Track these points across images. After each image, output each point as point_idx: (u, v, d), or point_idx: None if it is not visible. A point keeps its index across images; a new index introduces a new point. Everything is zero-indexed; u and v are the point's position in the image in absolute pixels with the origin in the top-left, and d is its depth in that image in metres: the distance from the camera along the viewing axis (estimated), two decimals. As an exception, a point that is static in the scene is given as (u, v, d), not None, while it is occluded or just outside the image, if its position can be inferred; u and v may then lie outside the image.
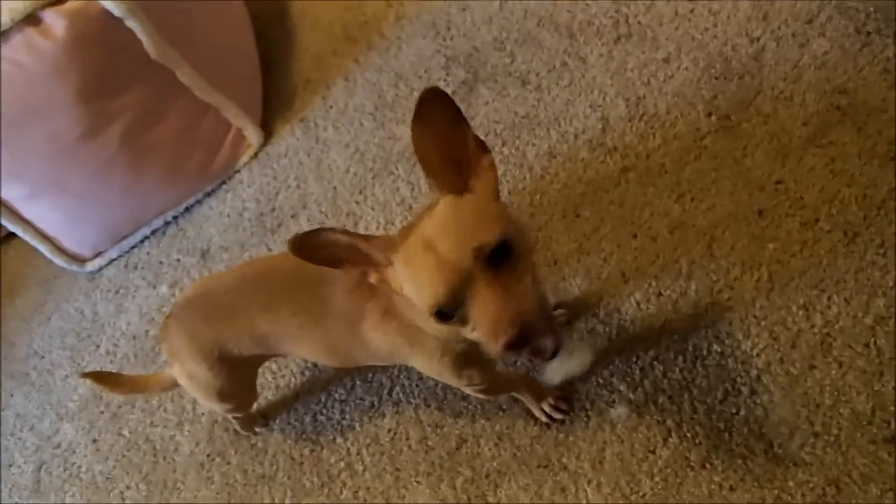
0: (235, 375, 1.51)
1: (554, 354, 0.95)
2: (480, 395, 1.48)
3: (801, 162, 1.66)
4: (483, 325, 0.91)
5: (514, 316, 0.89)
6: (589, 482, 1.53)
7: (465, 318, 0.94)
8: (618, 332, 1.66)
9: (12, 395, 2.40)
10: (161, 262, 2.40)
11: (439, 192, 0.99)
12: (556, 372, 1.58)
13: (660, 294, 1.65)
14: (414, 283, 0.97)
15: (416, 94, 0.93)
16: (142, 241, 2.48)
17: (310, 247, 0.99)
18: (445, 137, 0.95)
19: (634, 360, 1.62)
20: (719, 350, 1.54)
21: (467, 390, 1.40)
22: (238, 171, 2.43)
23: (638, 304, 1.67)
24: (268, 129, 2.44)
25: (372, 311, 1.25)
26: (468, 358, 1.24)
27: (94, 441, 2.14)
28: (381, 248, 1.01)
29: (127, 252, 2.49)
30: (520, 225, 0.99)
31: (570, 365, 1.57)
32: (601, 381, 1.62)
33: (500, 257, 0.91)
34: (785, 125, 1.72)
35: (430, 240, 0.94)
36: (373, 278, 1.05)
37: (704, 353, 1.55)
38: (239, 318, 1.39)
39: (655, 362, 1.58)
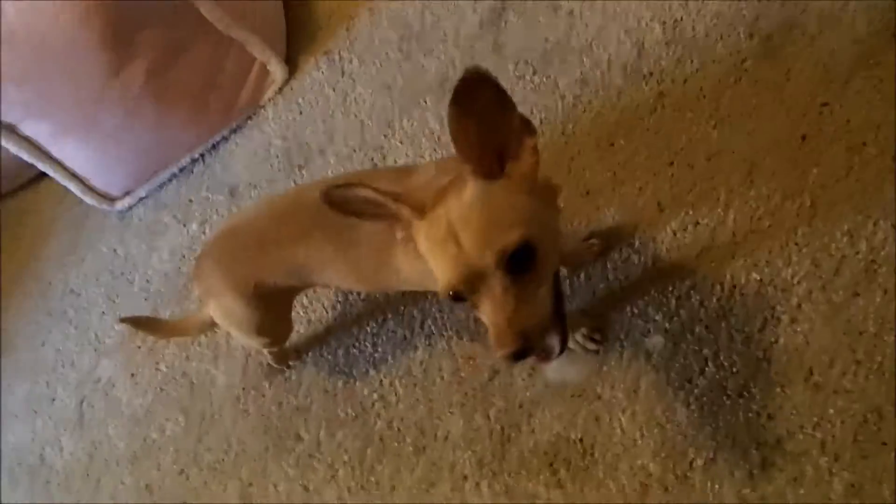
0: (271, 309, 1.51)
1: (561, 351, 0.97)
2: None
3: (848, 85, 1.58)
4: (490, 328, 0.93)
5: (522, 329, 0.90)
6: (623, 411, 1.52)
7: (478, 305, 0.96)
8: (653, 262, 1.63)
9: (50, 332, 2.45)
10: (190, 201, 2.40)
11: (472, 175, 0.96)
12: (555, 372, 1.56)
13: (697, 223, 1.61)
14: (433, 259, 0.98)
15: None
16: (170, 180, 2.48)
17: (341, 201, 0.99)
18: (487, 121, 0.89)
19: (670, 289, 1.59)
20: (758, 278, 1.50)
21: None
22: (263, 107, 2.40)
23: (674, 233, 1.63)
24: (292, 64, 2.40)
25: (401, 238, 1.25)
26: None
27: (133, 375, 2.18)
28: (410, 209, 1.00)
29: (156, 190, 2.49)
30: (548, 219, 0.99)
31: (571, 371, 1.56)
32: (636, 310, 1.60)
33: (522, 260, 0.91)
34: (831, 47, 1.64)
35: (453, 225, 0.94)
36: (399, 234, 1.05)
37: (742, 281, 1.52)
38: (272, 251, 1.38)
39: (692, 291, 1.55)
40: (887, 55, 1.56)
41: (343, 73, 2.28)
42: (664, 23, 1.85)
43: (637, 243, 1.66)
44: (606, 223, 1.70)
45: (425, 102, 2.07)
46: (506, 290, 0.91)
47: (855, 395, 1.34)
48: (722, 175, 1.63)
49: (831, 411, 1.35)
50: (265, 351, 1.82)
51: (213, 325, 1.55)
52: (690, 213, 1.63)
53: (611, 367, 1.57)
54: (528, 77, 1.95)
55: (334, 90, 2.27)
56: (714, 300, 1.53)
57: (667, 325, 1.55)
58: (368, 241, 1.26)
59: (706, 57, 1.76)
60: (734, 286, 1.52)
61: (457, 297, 0.95)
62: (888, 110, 1.52)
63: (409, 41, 2.18)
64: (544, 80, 1.94)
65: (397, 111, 2.10)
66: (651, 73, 1.81)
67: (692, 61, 1.77)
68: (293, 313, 1.89)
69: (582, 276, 1.69)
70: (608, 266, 1.67)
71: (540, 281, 0.94)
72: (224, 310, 1.46)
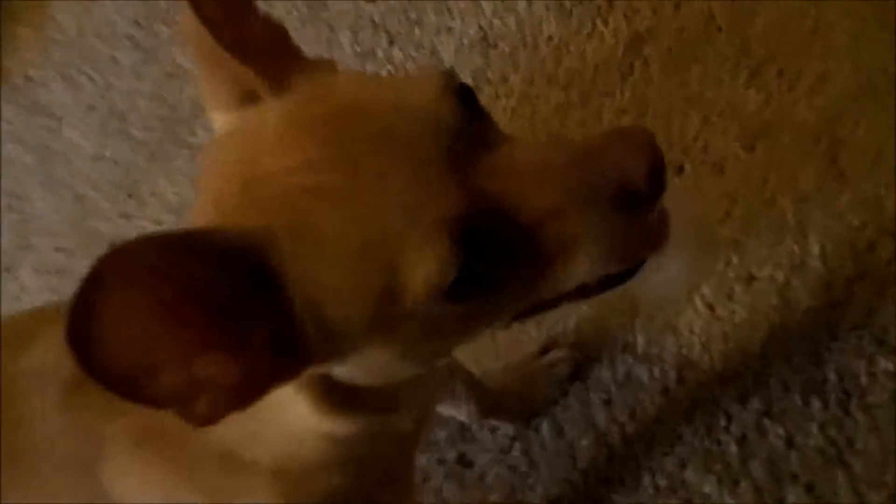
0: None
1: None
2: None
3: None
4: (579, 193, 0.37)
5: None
6: None
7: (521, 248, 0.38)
8: (679, 373, 0.80)
9: None
10: None
11: (269, 87, 0.41)
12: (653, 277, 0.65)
13: (752, 277, 0.80)
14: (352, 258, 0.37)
15: None
16: None
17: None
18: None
19: (723, 424, 0.77)
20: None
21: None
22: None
23: (710, 308, 0.81)
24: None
25: (116, 437, 0.56)
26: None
27: None
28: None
29: None
30: None
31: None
32: (661, 485, 0.76)
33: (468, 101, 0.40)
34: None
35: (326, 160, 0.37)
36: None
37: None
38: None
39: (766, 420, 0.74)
40: None
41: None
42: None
43: (640, 342, 0.83)
44: (576, 315, 0.85)
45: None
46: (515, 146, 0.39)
47: None
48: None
49: None
50: None
51: None
52: (734, 259, 0.82)
53: None
54: None
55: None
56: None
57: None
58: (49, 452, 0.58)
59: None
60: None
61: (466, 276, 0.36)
62: None
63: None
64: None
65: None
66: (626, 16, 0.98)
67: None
68: None
69: (544, 428, 0.84)
70: (592, 399, 0.82)
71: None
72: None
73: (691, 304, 0.85)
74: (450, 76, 0.40)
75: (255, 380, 0.35)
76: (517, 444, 0.84)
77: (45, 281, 1.21)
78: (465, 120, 0.38)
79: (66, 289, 0.28)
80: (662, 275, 0.47)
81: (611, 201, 0.37)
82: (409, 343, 0.40)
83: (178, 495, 0.55)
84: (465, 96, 0.40)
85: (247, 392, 0.35)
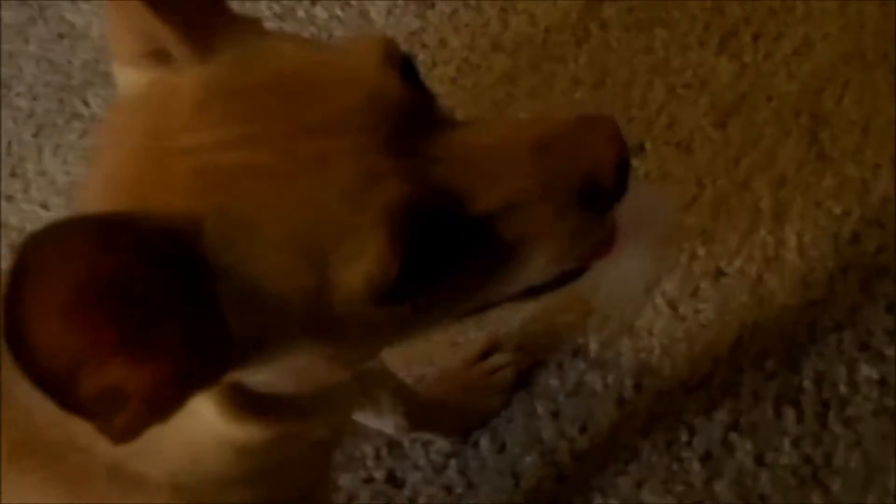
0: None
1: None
2: None
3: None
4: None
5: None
6: None
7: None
8: (635, 380, 0.72)
9: None
10: None
11: (187, 48, 0.37)
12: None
13: (720, 271, 0.71)
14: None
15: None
16: None
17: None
18: None
19: (685, 440, 0.70)
20: None
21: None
22: None
23: (672, 307, 0.73)
24: None
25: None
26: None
27: None
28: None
29: None
30: None
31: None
32: None
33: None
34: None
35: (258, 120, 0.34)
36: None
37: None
38: None
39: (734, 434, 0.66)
40: None
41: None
42: None
43: (594, 346, 0.74)
44: (521, 313, 0.76)
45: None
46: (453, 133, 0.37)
47: None
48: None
49: None
50: None
51: None
52: (700, 251, 0.74)
53: None
54: None
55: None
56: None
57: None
58: None
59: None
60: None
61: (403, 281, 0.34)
62: None
63: None
64: None
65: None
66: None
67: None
68: None
69: (483, 443, 0.75)
70: (538, 410, 0.74)
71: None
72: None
73: (651, 302, 0.76)
74: (391, 44, 0.37)
75: (169, 387, 0.32)
76: (453, 462, 0.75)
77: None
78: (410, 97, 0.36)
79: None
80: (618, 271, 0.44)
81: (576, 195, 0.36)
82: (341, 345, 0.37)
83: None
84: (407, 70, 0.37)
85: (161, 401, 0.32)
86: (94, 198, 0.36)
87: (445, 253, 0.35)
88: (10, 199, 1.01)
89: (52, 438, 0.48)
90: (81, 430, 0.34)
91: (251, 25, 0.40)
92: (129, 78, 0.39)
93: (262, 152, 0.33)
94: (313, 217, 0.33)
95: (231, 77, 0.35)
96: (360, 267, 0.33)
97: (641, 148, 0.81)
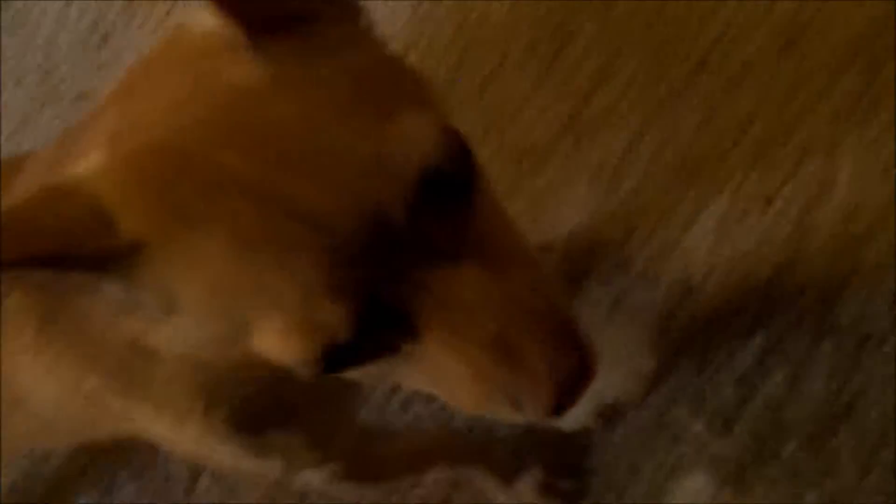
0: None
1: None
2: (338, 487, 0.66)
3: None
4: (476, 366, 0.35)
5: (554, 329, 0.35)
6: None
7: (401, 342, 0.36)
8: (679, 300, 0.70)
9: None
10: None
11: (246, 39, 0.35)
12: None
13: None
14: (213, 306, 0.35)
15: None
16: None
17: None
18: None
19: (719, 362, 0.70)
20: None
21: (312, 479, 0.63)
22: None
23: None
24: None
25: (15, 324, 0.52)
26: (275, 408, 0.53)
27: None
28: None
29: None
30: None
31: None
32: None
33: (451, 187, 0.35)
34: None
35: (247, 168, 0.33)
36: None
37: None
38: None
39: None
40: None
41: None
42: None
43: (636, 260, 0.72)
44: (567, 218, 0.74)
45: None
46: (462, 262, 0.35)
47: None
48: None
49: None
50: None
51: None
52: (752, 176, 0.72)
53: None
54: None
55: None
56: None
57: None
58: None
59: None
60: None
61: (332, 359, 0.35)
62: None
63: None
64: None
65: None
66: None
67: None
68: None
69: None
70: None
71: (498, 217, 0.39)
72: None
73: (699, 223, 0.74)
74: (440, 147, 0.34)
75: None
76: None
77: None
78: (417, 230, 0.33)
79: None
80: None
81: (504, 400, 0.35)
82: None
83: (88, 380, 0.51)
84: (464, 164, 0.35)
85: None
86: (95, 121, 0.38)
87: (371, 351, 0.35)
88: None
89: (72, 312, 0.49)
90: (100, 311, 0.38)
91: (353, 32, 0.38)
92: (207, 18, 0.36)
93: (243, 202, 0.32)
94: (251, 290, 0.33)
95: (260, 98, 0.33)
96: (274, 350, 0.34)
97: (701, 66, 0.79)
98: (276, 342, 0.34)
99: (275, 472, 0.64)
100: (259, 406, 0.52)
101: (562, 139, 0.78)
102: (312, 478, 0.64)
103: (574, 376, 0.35)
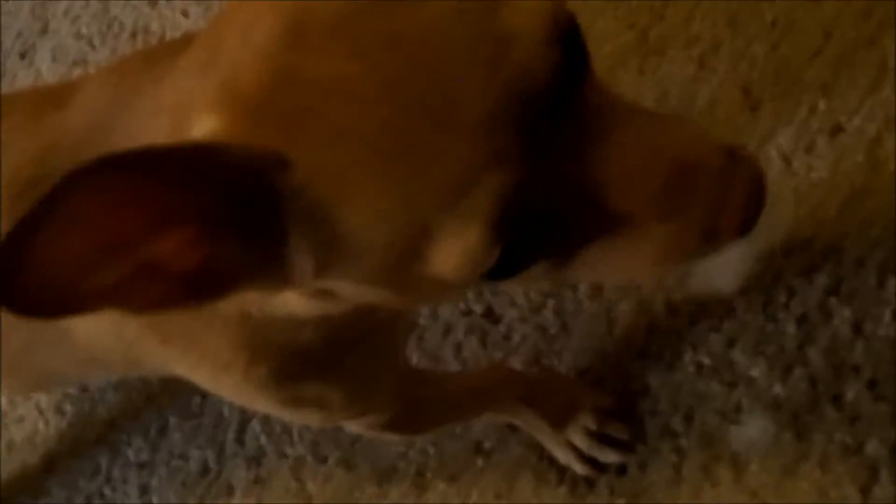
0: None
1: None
2: (391, 437, 0.72)
3: None
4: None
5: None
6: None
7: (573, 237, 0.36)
8: None
9: None
10: None
11: None
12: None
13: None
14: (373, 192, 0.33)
15: None
16: None
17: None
18: None
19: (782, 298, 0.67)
20: None
21: (355, 427, 0.67)
22: None
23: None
24: None
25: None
26: (318, 363, 0.54)
27: None
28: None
29: None
30: None
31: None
32: (703, 362, 0.67)
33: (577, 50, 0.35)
34: None
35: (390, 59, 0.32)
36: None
37: None
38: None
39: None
40: None
41: None
42: None
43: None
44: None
45: None
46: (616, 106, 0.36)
47: None
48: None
49: None
50: None
51: None
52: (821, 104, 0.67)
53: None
54: None
55: None
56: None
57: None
58: None
59: None
60: None
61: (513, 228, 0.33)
62: None
63: None
64: None
65: None
66: None
67: None
68: None
69: (581, 285, 0.70)
70: None
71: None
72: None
73: (764, 153, 0.69)
74: (560, 10, 0.33)
75: (216, 275, 0.32)
76: (550, 302, 0.72)
77: (63, 70, 1.09)
78: (562, 82, 0.32)
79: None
80: (714, 264, 0.44)
81: (700, 236, 0.36)
82: (410, 297, 0.39)
83: (140, 334, 0.53)
84: (572, 42, 0.34)
85: (200, 286, 0.32)
86: (206, 102, 0.33)
87: (548, 237, 0.35)
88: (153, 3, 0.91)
89: None
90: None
91: None
92: None
93: (380, 116, 0.31)
94: (413, 202, 0.32)
95: (371, 11, 0.32)
96: (455, 249, 0.32)
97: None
98: (460, 237, 0.32)
99: (314, 423, 0.66)
100: (300, 361, 0.52)
101: (629, 59, 0.72)
102: (354, 427, 0.66)
103: (754, 185, 0.36)
